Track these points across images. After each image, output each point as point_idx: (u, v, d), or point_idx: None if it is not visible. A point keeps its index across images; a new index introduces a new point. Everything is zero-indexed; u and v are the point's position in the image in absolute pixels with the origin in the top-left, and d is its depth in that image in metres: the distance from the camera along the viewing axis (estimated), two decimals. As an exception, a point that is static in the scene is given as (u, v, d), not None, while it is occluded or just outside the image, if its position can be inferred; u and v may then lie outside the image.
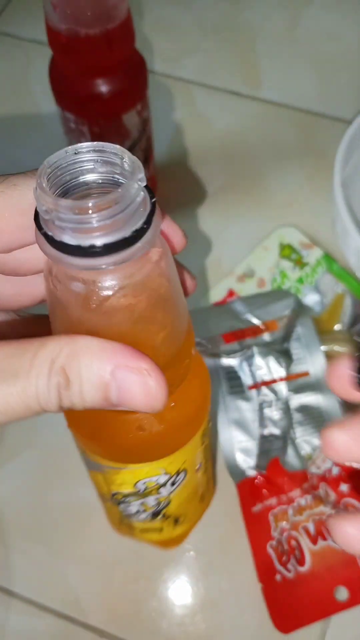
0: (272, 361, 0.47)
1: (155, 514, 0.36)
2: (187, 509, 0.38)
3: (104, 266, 0.19)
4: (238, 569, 0.44)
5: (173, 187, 0.58)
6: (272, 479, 0.45)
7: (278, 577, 0.43)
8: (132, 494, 0.32)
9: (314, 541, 0.43)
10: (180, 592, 0.44)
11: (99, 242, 0.19)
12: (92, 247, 0.19)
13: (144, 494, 0.32)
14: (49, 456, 0.48)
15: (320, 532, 0.44)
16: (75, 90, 0.42)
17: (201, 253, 0.55)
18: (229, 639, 0.43)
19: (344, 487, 0.45)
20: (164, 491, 0.32)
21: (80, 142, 0.42)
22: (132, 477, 0.30)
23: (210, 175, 0.59)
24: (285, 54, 0.65)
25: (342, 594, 0.43)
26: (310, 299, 0.51)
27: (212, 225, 0.56)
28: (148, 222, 0.20)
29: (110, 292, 0.20)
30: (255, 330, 0.49)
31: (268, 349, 0.47)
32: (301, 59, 0.65)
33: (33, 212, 0.20)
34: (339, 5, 0.68)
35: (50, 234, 0.19)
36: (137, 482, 0.31)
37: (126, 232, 0.19)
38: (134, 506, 0.34)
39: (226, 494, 0.46)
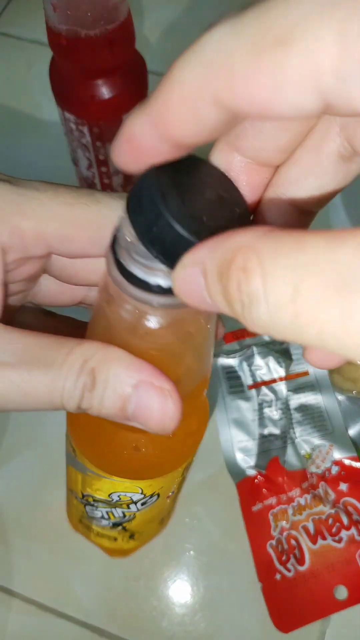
0: (271, 361, 0.47)
1: (116, 525, 0.37)
2: (146, 528, 0.40)
3: (162, 305, 0.20)
4: (238, 569, 0.44)
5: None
6: (272, 478, 0.45)
7: (278, 576, 0.43)
8: (103, 501, 0.33)
9: (314, 540, 0.44)
10: (180, 591, 0.44)
11: (165, 284, 0.19)
12: (158, 286, 0.20)
13: (115, 504, 0.33)
14: (50, 455, 0.48)
15: (320, 532, 0.44)
16: (75, 91, 0.42)
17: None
18: (229, 638, 0.43)
19: (344, 487, 0.45)
20: (133, 507, 0.33)
21: (81, 142, 0.42)
22: (110, 487, 0.31)
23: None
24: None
25: (342, 593, 0.43)
26: None
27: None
28: None
29: (155, 325, 0.21)
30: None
31: (268, 349, 0.47)
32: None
33: (107, 229, 0.22)
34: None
35: (122, 261, 0.20)
36: (113, 493, 0.32)
37: None
38: (100, 512, 0.35)
39: (226, 494, 0.46)
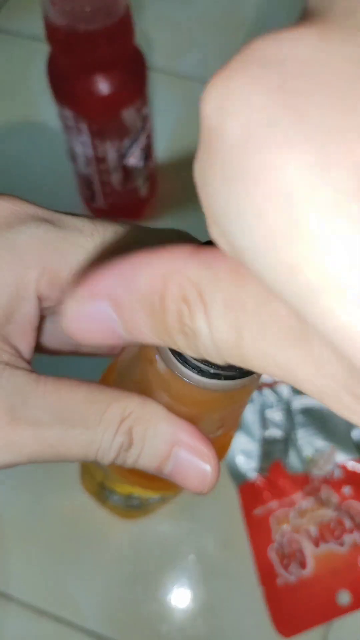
0: None
1: (132, 506, 0.38)
2: (161, 507, 0.42)
3: (210, 387, 0.19)
4: (238, 573, 0.44)
5: (173, 184, 0.58)
6: (274, 481, 0.45)
7: (279, 580, 0.43)
8: (122, 495, 0.34)
9: (316, 544, 0.43)
10: (180, 596, 0.44)
11: (215, 371, 0.19)
12: (208, 372, 0.19)
13: (133, 497, 0.34)
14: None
15: (323, 535, 0.43)
16: (74, 87, 0.42)
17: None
18: (230, 644, 0.43)
19: (347, 489, 0.44)
20: (152, 500, 0.34)
21: (79, 139, 0.42)
22: (130, 489, 0.32)
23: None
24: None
25: (345, 597, 0.42)
26: None
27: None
28: None
29: (199, 396, 0.20)
30: None
31: None
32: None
33: None
34: None
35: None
36: (133, 493, 0.32)
37: (238, 373, 0.19)
38: (118, 497, 0.36)
39: (226, 498, 0.46)
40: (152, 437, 0.20)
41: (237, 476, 0.45)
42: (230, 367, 0.18)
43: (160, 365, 0.20)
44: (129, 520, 0.45)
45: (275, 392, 0.46)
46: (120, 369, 0.24)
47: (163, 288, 0.14)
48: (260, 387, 0.46)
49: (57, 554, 0.45)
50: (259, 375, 0.20)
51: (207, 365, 0.18)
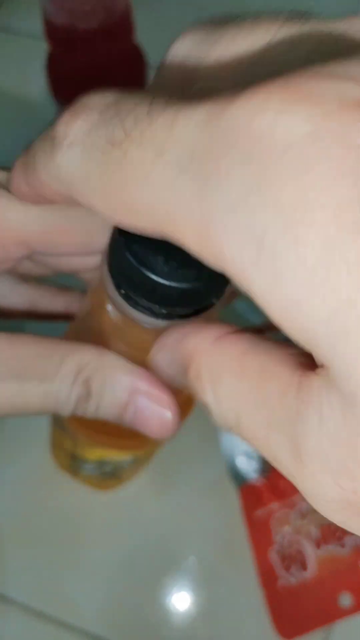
0: None
1: (105, 474, 0.38)
2: (135, 472, 0.42)
3: (163, 326, 0.20)
4: (239, 576, 0.44)
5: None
6: (275, 483, 0.45)
7: (280, 582, 0.43)
8: (93, 462, 0.34)
9: (318, 546, 0.43)
10: (180, 598, 0.44)
11: (167, 310, 0.19)
12: (163, 314, 0.19)
13: (105, 463, 0.34)
14: (47, 461, 0.48)
15: (325, 537, 0.43)
16: (72, 85, 0.42)
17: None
18: (231, 646, 0.43)
19: None
20: (124, 464, 0.35)
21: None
22: (101, 454, 0.32)
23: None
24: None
25: (346, 599, 0.42)
26: None
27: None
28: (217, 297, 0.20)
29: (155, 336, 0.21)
30: (258, 331, 0.48)
31: None
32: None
33: (97, 235, 0.21)
34: (338, 4, 0.68)
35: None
36: (104, 457, 0.33)
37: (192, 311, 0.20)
38: (90, 466, 0.36)
39: (227, 500, 0.46)
40: (110, 386, 0.21)
41: (238, 478, 0.45)
42: (185, 305, 0.19)
43: (114, 313, 0.20)
44: (105, 492, 0.45)
45: None
46: (78, 324, 0.24)
47: (188, 364, 0.17)
48: None
49: (56, 556, 0.45)
50: (216, 314, 0.21)
51: (159, 306, 0.19)
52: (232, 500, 0.46)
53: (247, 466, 0.45)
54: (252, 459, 0.45)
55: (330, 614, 0.42)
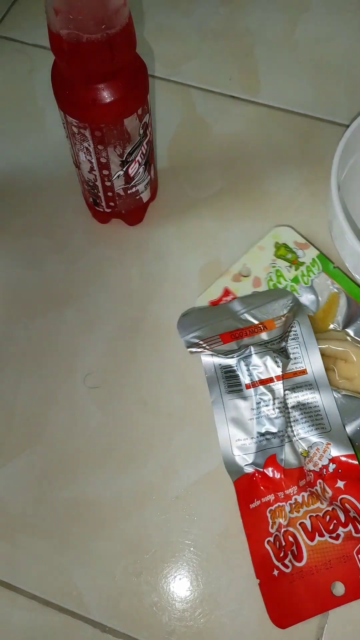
0: (269, 360, 0.47)
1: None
2: None
3: None
4: (237, 564, 0.45)
5: (173, 190, 0.59)
6: (270, 475, 0.46)
7: (275, 572, 0.44)
8: None
9: (311, 537, 0.44)
10: (180, 587, 0.45)
11: None
12: None
13: None
14: (54, 453, 0.49)
15: (317, 528, 0.44)
16: (77, 95, 0.43)
17: (200, 254, 0.56)
18: (229, 633, 0.43)
19: (341, 484, 0.45)
20: None
21: (83, 146, 0.43)
22: None
23: (209, 178, 0.60)
24: (283, 59, 0.66)
25: (340, 589, 0.43)
26: (306, 298, 0.52)
27: (211, 227, 0.57)
28: None
29: None
30: (253, 330, 0.49)
31: (265, 348, 0.48)
32: (299, 64, 0.66)
33: None
34: (336, 10, 0.69)
35: None
36: None
37: None
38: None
39: (225, 491, 0.47)
40: None
41: (234, 471, 0.46)
42: None
43: None
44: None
45: (270, 389, 0.47)
46: None
47: None
48: (255, 384, 0.47)
49: (62, 546, 0.46)
50: None
51: None
52: (229, 491, 0.46)
53: (244, 460, 0.46)
54: (248, 454, 0.46)
55: (324, 603, 0.43)
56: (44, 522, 0.47)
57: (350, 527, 0.44)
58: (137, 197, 0.53)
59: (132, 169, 0.49)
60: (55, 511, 0.47)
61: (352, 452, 0.46)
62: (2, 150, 0.62)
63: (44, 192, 0.59)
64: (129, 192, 0.52)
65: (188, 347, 0.50)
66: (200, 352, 0.49)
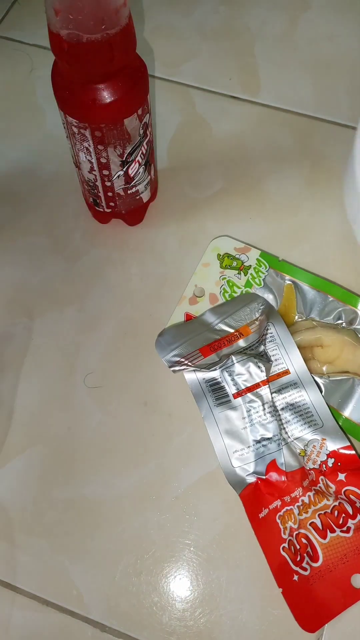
0: (252, 366, 0.47)
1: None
2: None
3: None
4: (237, 564, 0.45)
5: (173, 190, 0.59)
6: (273, 481, 0.45)
7: (295, 577, 0.43)
8: None
9: (324, 535, 0.44)
10: (180, 587, 0.45)
11: None
12: None
13: None
14: (54, 453, 0.49)
15: (328, 525, 0.44)
16: (77, 95, 0.43)
17: (200, 255, 0.56)
18: (229, 634, 0.43)
19: (342, 476, 0.45)
20: None
21: (83, 146, 0.43)
22: None
23: (209, 178, 0.60)
24: (284, 58, 0.66)
25: (359, 581, 0.43)
26: (266, 298, 0.52)
27: (211, 228, 0.57)
28: None
29: None
30: (230, 339, 0.49)
31: (246, 355, 0.48)
32: (299, 63, 0.66)
33: None
34: (337, 10, 0.69)
35: None
36: None
37: None
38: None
39: (225, 490, 0.47)
40: None
41: (236, 483, 0.46)
42: None
43: None
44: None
45: (258, 395, 0.47)
46: None
47: None
48: (242, 392, 0.47)
49: (61, 546, 0.46)
50: None
51: None
52: (230, 491, 0.46)
53: (244, 471, 0.46)
54: (248, 463, 0.46)
55: (347, 598, 0.43)
56: (43, 522, 0.47)
57: (359, 517, 0.44)
58: (137, 197, 0.53)
59: (132, 169, 0.49)
60: (55, 511, 0.47)
61: (348, 444, 0.46)
62: (2, 150, 0.62)
63: (44, 192, 0.59)
64: (129, 192, 0.52)
65: (170, 366, 0.48)
66: (184, 369, 0.49)
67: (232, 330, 0.49)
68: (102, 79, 0.42)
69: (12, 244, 0.57)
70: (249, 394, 0.47)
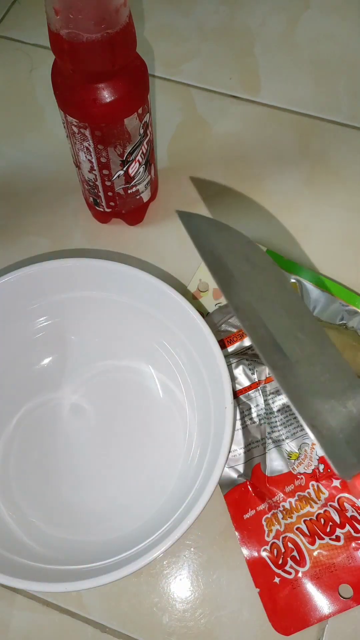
0: (245, 369, 0.47)
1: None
2: None
3: None
4: (237, 565, 0.45)
5: (173, 190, 0.59)
6: (259, 484, 0.45)
7: (277, 579, 0.43)
8: None
9: (312, 542, 0.44)
10: (180, 587, 0.45)
11: None
12: None
13: None
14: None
15: (315, 532, 0.44)
16: (77, 95, 0.43)
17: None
18: (229, 634, 0.43)
19: (337, 483, 0.45)
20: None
21: (83, 145, 0.43)
22: None
23: (209, 178, 0.60)
24: (284, 58, 0.66)
25: (347, 591, 0.43)
26: None
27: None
28: None
29: None
30: (232, 339, 0.49)
31: (238, 359, 0.47)
32: (299, 62, 0.66)
33: None
34: (336, 9, 0.69)
35: None
36: None
37: None
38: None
39: (220, 500, 0.47)
40: None
41: (225, 484, 0.46)
42: None
43: None
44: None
45: (249, 397, 0.47)
46: None
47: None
48: (236, 395, 0.47)
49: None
50: None
51: None
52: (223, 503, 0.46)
53: (234, 472, 0.46)
54: (237, 464, 0.46)
55: (332, 606, 0.42)
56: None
57: (347, 527, 0.44)
58: (138, 197, 0.53)
59: (133, 169, 0.49)
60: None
61: None
62: (2, 150, 0.62)
63: (44, 192, 0.59)
64: (129, 191, 0.52)
65: None
66: None
67: (235, 330, 0.49)
68: (102, 79, 0.42)
69: (12, 244, 0.57)
70: (241, 397, 0.47)
